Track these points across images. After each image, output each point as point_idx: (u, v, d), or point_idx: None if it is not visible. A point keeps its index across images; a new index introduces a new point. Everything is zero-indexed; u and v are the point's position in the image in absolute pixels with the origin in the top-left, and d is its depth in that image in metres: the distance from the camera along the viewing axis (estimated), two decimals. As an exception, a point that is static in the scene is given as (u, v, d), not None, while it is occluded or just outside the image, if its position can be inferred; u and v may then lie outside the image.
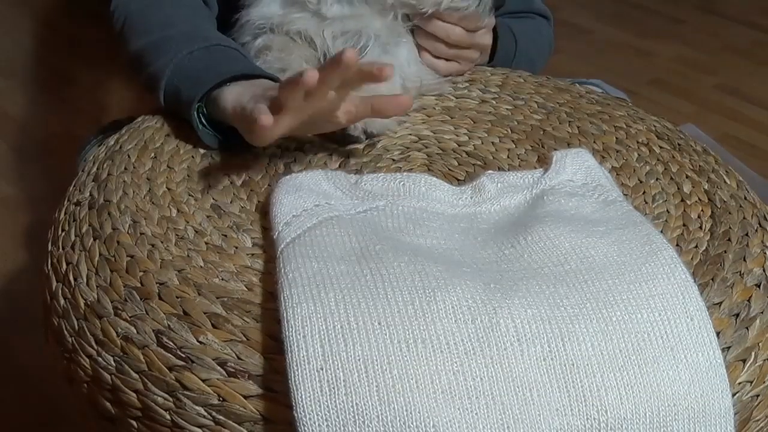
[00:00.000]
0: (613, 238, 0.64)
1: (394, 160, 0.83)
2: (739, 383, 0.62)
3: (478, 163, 0.83)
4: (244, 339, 0.60)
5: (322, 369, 0.53)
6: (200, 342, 0.60)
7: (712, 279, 0.66)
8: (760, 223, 0.73)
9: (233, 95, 0.78)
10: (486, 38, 0.99)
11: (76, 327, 0.65)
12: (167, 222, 0.72)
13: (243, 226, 0.72)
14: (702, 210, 0.74)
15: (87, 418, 0.67)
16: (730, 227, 0.72)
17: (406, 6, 0.91)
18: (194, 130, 0.83)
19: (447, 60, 0.96)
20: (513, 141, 0.86)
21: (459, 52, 0.96)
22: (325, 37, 0.92)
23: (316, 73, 0.64)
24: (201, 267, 0.67)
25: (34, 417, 1.25)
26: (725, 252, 0.69)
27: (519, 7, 1.08)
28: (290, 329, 0.55)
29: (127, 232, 0.70)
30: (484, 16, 0.93)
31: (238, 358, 0.59)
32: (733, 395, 0.60)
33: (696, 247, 0.70)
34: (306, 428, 0.53)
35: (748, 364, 0.62)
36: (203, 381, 0.59)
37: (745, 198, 0.77)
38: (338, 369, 0.53)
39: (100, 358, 0.63)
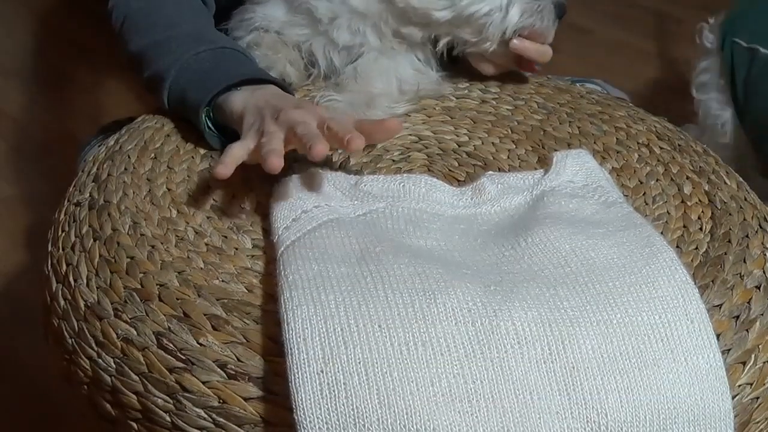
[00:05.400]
0: (614, 240, 0.64)
1: (394, 160, 0.83)
2: (739, 386, 0.61)
3: (479, 163, 0.83)
4: (245, 341, 0.60)
5: (322, 371, 0.53)
6: (200, 344, 0.60)
7: (712, 281, 0.66)
8: (760, 225, 0.73)
9: (240, 101, 0.78)
10: None
11: (76, 328, 0.65)
12: (167, 223, 0.72)
13: (243, 228, 0.72)
14: (702, 211, 0.74)
15: (87, 420, 0.67)
16: (730, 229, 0.72)
17: (458, 41, 0.90)
18: (194, 130, 0.82)
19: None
20: (513, 141, 0.86)
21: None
22: (332, 57, 0.92)
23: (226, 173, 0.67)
24: (201, 268, 0.66)
25: (34, 417, 1.25)
26: (725, 254, 0.69)
27: None
28: (290, 331, 0.55)
29: (127, 233, 0.70)
30: (552, 29, 0.90)
31: (239, 360, 0.59)
32: (733, 398, 0.60)
33: (696, 248, 0.70)
34: (306, 431, 0.53)
35: (748, 367, 0.62)
36: (203, 383, 0.59)
37: (746, 199, 0.77)
38: (338, 371, 0.53)
39: (100, 360, 0.63)
